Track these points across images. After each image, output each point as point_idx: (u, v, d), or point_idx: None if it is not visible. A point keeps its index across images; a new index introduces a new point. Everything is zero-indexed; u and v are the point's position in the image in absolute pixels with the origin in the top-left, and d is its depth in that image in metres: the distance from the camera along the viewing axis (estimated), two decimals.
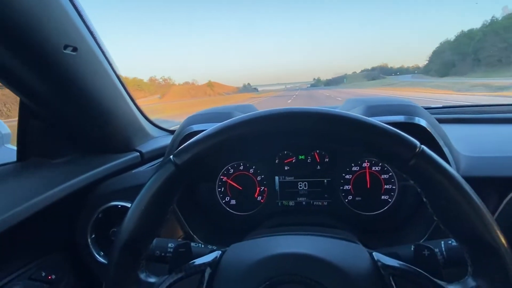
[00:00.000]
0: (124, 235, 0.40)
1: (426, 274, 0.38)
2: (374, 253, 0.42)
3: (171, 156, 0.41)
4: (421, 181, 0.37)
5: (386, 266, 0.39)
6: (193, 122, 0.75)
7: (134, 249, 0.41)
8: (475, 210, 0.34)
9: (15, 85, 0.61)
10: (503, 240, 0.34)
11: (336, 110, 0.39)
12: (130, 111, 0.85)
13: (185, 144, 0.41)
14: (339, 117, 0.38)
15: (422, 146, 0.36)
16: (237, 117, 0.40)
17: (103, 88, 0.71)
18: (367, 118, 0.38)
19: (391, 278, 0.38)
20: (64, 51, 0.57)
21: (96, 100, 0.70)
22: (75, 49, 0.59)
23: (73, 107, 0.69)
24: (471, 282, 0.36)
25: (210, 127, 0.41)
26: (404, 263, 0.40)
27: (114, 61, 0.74)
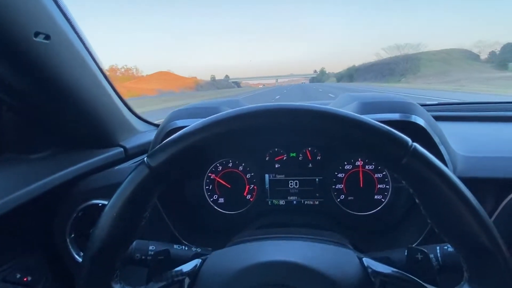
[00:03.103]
0: (96, 244, 0.37)
1: (418, 280, 0.36)
2: (364, 259, 0.40)
3: (145, 158, 0.38)
4: (414, 182, 0.34)
5: (377, 273, 0.37)
6: (177, 117, 0.71)
7: (107, 259, 0.39)
8: (472, 212, 0.32)
9: None
10: (501, 244, 0.32)
11: (325, 106, 0.36)
12: (113, 104, 0.81)
13: (160, 144, 0.38)
14: (325, 114, 0.35)
15: (414, 143, 0.34)
16: (215, 115, 0.37)
17: (82, 79, 0.67)
18: (355, 114, 0.35)
19: (382, 286, 0.36)
20: (35, 39, 0.52)
21: (75, 92, 0.66)
22: (47, 37, 0.54)
23: (49, 100, 0.65)
24: None
25: (192, 124, 0.37)
26: (395, 270, 0.38)
27: (94, 51, 0.70)
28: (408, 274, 0.37)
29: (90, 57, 0.69)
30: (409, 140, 0.34)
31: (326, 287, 0.36)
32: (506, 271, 0.32)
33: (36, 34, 0.52)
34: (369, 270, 0.38)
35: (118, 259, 0.40)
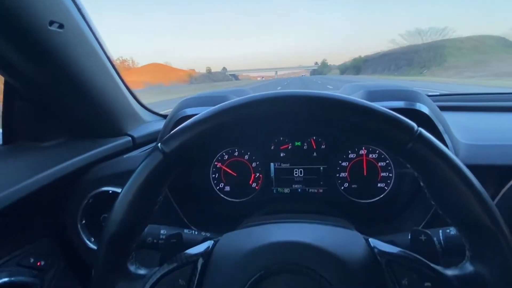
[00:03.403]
0: (111, 227, 0.39)
1: (423, 259, 0.38)
2: (370, 240, 0.41)
3: (159, 144, 0.39)
4: (419, 165, 0.36)
5: (383, 253, 0.38)
6: (187, 106, 0.73)
7: (122, 242, 0.40)
8: (474, 193, 0.34)
9: None
10: (502, 224, 0.33)
11: (331, 93, 0.37)
12: (122, 94, 0.83)
13: (173, 131, 0.39)
14: (332, 100, 0.36)
15: (420, 128, 0.35)
16: (227, 102, 0.38)
17: (92, 68, 0.68)
18: (362, 100, 0.36)
19: (388, 265, 0.37)
20: (50, 28, 0.53)
21: (85, 81, 0.68)
22: (61, 26, 0.55)
23: (61, 88, 0.66)
24: (469, 266, 0.36)
25: (203, 111, 0.39)
26: (401, 249, 0.39)
27: (104, 41, 0.71)
28: (413, 254, 0.38)
29: (100, 47, 0.70)
30: (414, 125, 0.35)
31: (334, 266, 0.37)
32: (507, 250, 0.33)
33: (51, 23, 0.53)
34: (376, 250, 0.39)
35: (133, 242, 0.41)
